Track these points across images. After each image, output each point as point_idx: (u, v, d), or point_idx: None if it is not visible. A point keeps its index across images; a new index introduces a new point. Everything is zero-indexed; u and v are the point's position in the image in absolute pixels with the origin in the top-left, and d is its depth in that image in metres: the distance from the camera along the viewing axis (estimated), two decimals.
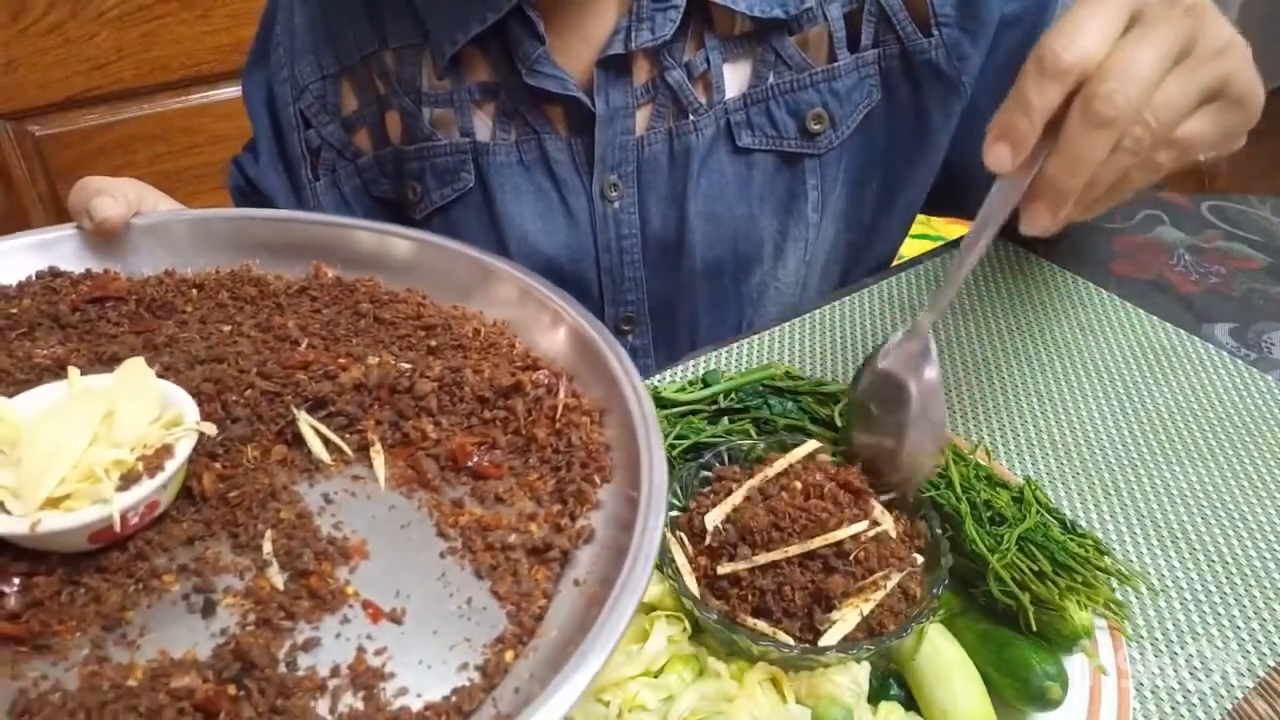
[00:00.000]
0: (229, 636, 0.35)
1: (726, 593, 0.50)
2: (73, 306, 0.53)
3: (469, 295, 0.57)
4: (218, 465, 0.43)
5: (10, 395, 0.42)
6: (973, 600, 0.53)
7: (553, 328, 0.53)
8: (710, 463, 0.58)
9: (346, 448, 0.45)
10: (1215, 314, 0.84)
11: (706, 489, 0.55)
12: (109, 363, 0.46)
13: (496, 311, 0.56)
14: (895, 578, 0.50)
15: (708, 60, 0.75)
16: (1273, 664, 0.54)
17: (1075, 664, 0.50)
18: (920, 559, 0.52)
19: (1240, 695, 0.52)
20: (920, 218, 0.95)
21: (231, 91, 1.47)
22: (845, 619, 0.48)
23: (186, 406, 0.42)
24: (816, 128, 0.76)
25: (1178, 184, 1.19)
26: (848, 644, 0.47)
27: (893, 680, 0.50)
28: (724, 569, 0.49)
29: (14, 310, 0.52)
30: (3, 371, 0.46)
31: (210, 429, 0.42)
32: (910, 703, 0.49)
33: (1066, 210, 0.42)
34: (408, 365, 0.49)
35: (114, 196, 0.57)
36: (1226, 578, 0.59)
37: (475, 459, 0.44)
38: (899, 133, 0.79)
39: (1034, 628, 0.50)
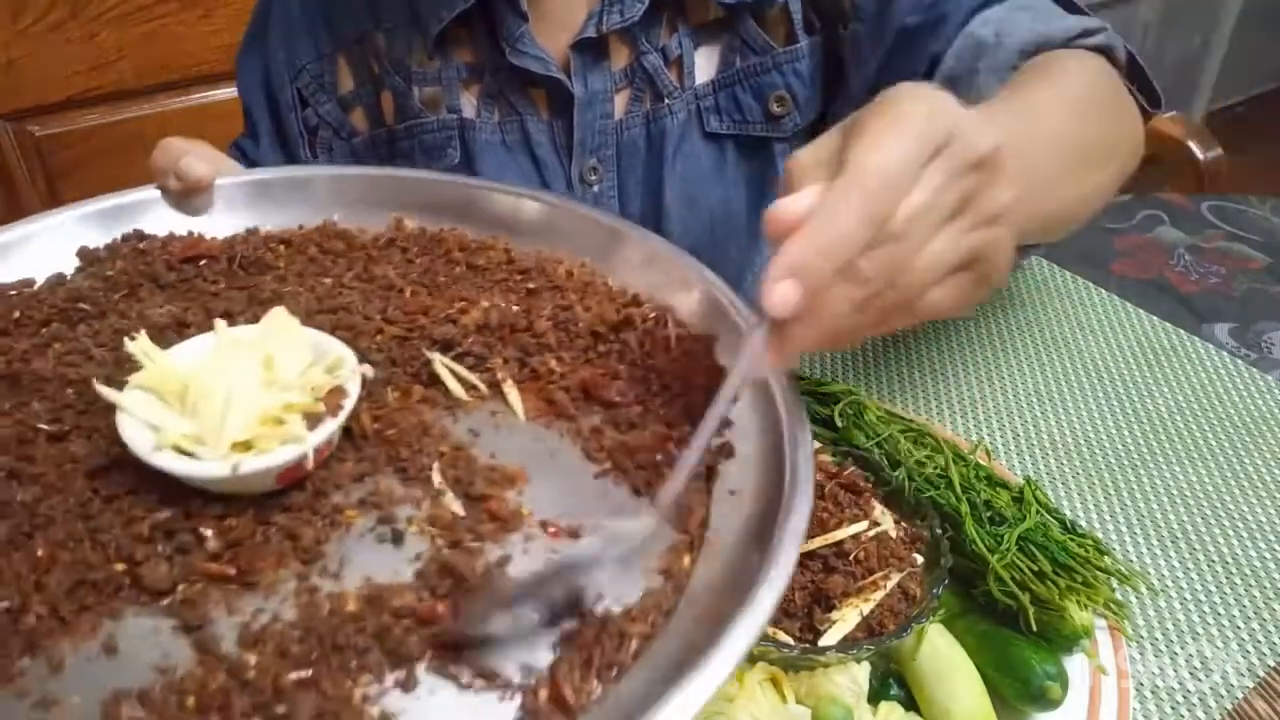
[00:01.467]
0: (427, 560, 0.37)
1: None
2: (168, 266, 0.53)
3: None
4: (366, 406, 0.44)
5: (122, 364, 0.43)
6: (973, 600, 0.53)
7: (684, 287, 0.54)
8: None
9: (481, 385, 0.46)
10: (1215, 314, 0.84)
11: None
12: (223, 316, 0.47)
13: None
14: (895, 578, 0.50)
15: (680, 45, 0.76)
16: (1273, 664, 0.54)
17: (1075, 664, 0.50)
18: (920, 559, 0.52)
19: (1240, 695, 0.52)
20: None
21: (232, 91, 1.47)
22: (845, 619, 0.48)
23: (341, 350, 0.43)
24: (779, 110, 0.77)
25: (1178, 184, 1.19)
26: (848, 644, 0.47)
27: (893, 680, 0.50)
28: None
29: (110, 272, 0.52)
30: (120, 332, 0.46)
31: (369, 371, 0.43)
32: (910, 703, 0.49)
33: (788, 359, 0.38)
34: (519, 307, 0.50)
35: (201, 157, 0.58)
36: (1226, 578, 0.59)
37: (603, 389, 0.46)
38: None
39: (1034, 628, 0.50)
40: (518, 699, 0.32)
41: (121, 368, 0.43)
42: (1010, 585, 0.51)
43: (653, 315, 0.50)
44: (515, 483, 0.41)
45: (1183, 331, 0.81)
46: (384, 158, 0.83)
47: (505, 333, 0.49)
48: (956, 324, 0.83)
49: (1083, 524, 0.60)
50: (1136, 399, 0.74)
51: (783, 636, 0.48)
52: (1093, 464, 0.68)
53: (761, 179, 0.80)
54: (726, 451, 0.43)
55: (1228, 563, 0.60)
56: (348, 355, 0.43)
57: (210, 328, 0.44)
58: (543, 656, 0.34)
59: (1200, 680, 0.53)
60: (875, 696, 0.49)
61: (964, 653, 0.50)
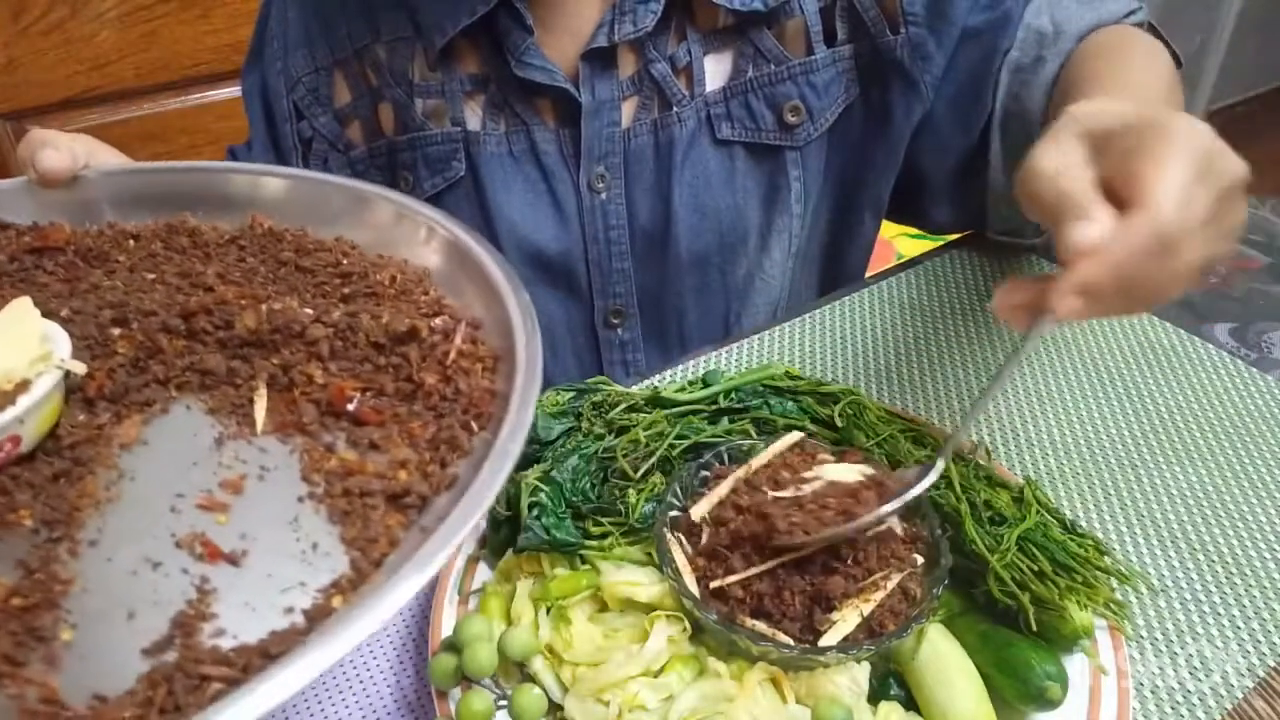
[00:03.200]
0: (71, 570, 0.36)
1: (726, 593, 0.50)
2: (10, 256, 0.54)
3: (338, 222, 0.58)
4: (102, 406, 0.43)
5: None
6: (973, 600, 0.53)
7: (427, 243, 0.54)
8: (710, 463, 0.58)
9: (235, 391, 0.45)
10: (1215, 314, 0.84)
11: (706, 489, 0.55)
12: (39, 309, 0.46)
13: (370, 236, 0.56)
14: (895, 578, 0.50)
15: (689, 53, 0.76)
16: (1273, 664, 0.54)
17: (1075, 664, 0.50)
18: (920, 559, 0.52)
19: (1240, 695, 0.52)
20: None
21: (231, 91, 1.47)
22: (845, 619, 0.48)
23: (61, 344, 0.43)
24: (793, 120, 0.77)
25: None
26: (848, 644, 0.47)
27: (893, 680, 0.50)
28: (715, 584, 0.49)
29: None
30: None
31: (80, 368, 0.42)
32: (910, 703, 0.49)
33: (1090, 304, 0.43)
34: (310, 311, 0.48)
35: (59, 149, 0.59)
36: (1226, 578, 0.59)
37: (356, 404, 0.44)
38: (869, 130, 0.81)
39: (1034, 628, 0.50)
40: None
41: None
42: (1010, 585, 0.51)
43: (442, 329, 0.47)
44: (227, 488, 0.40)
45: (1183, 331, 0.81)
46: (384, 170, 0.83)
47: (278, 337, 0.47)
48: (956, 324, 0.83)
49: (1083, 524, 0.60)
50: (1136, 399, 0.74)
51: (782, 637, 0.48)
52: (1093, 464, 0.68)
53: (772, 186, 0.80)
54: (450, 483, 0.41)
55: (1228, 563, 0.60)
56: (61, 350, 0.42)
57: None
58: (120, 686, 0.33)
59: (1200, 680, 0.53)
60: (875, 696, 0.49)
61: (964, 653, 0.50)
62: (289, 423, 0.44)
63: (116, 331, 0.47)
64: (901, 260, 0.93)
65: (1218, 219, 0.43)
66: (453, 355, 0.46)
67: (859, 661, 0.48)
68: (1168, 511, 0.64)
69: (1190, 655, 0.54)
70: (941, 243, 0.95)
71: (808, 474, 0.54)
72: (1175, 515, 0.64)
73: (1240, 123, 3.07)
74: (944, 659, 0.49)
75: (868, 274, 0.93)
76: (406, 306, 0.50)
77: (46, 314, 0.46)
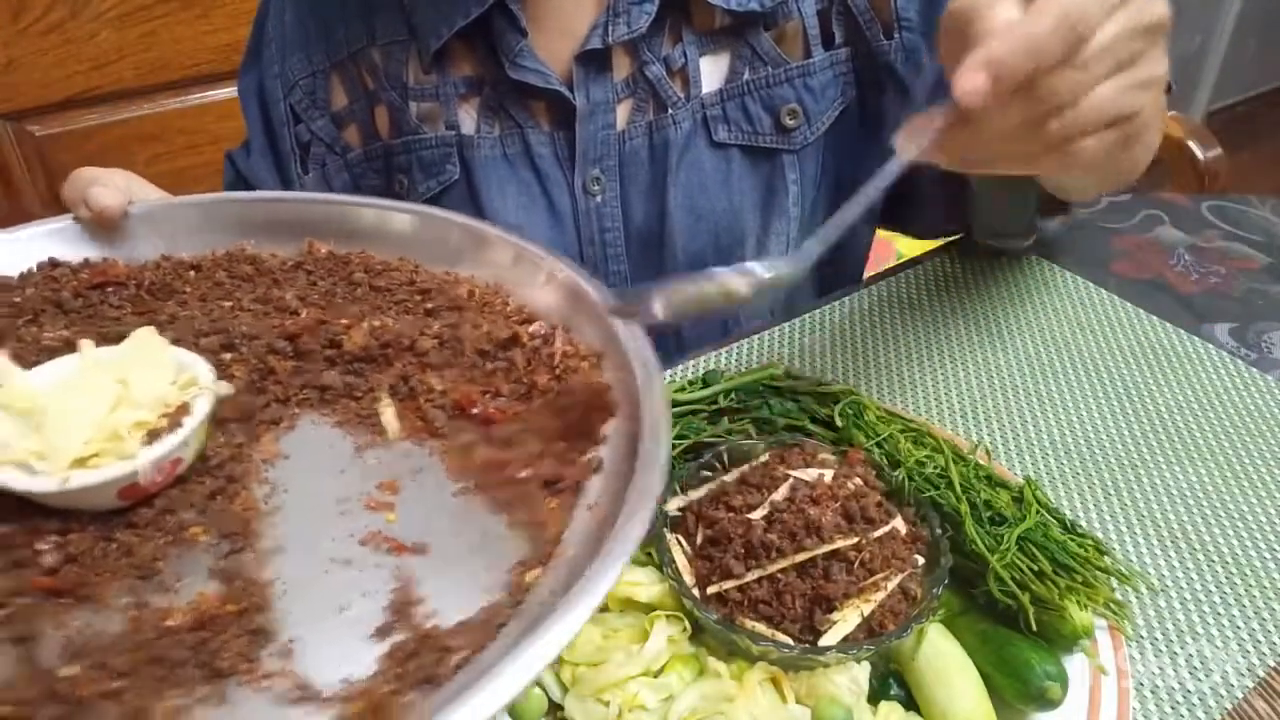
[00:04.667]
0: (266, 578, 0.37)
1: (726, 594, 0.50)
2: (74, 293, 0.54)
3: (459, 261, 0.58)
4: (236, 426, 0.45)
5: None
6: (973, 600, 0.53)
7: (546, 285, 0.54)
8: (710, 463, 0.58)
9: (356, 402, 0.47)
10: (1215, 314, 0.84)
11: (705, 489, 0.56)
12: (114, 340, 0.47)
13: (489, 274, 0.57)
14: (896, 579, 0.50)
15: (685, 55, 0.76)
16: (1273, 664, 0.54)
17: (1075, 664, 0.50)
18: (920, 559, 0.52)
19: (1240, 695, 0.52)
20: None
21: (231, 91, 1.46)
22: (845, 620, 0.48)
23: (201, 369, 0.44)
24: (791, 123, 0.77)
25: (1178, 184, 1.19)
26: (848, 644, 0.47)
27: (893, 680, 0.50)
28: (712, 589, 0.50)
29: (17, 299, 0.52)
30: (14, 355, 0.47)
31: (227, 388, 0.44)
32: (910, 703, 0.49)
33: (995, 87, 0.40)
34: (409, 327, 0.51)
35: (108, 185, 0.58)
36: (1226, 578, 0.59)
37: (480, 407, 0.46)
38: (864, 134, 0.81)
39: (1034, 628, 0.50)
40: (333, 710, 0.33)
41: None
42: (1010, 585, 0.51)
43: (541, 333, 0.50)
44: (383, 492, 0.42)
45: (1183, 331, 0.81)
46: (380, 173, 0.83)
47: (389, 352, 0.49)
48: (956, 324, 0.83)
49: (1083, 524, 0.60)
50: (1136, 399, 0.74)
51: (782, 637, 0.48)
52: (1093, 464, 0.68)
53: (769, 190, 0.79)
54: (596, 466, 0.43)
55: (1228, 563, 0.60)
56: (203, 373, 0.43)
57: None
58: (363, 669, 0.34)
59: (1200, 680, 0.53)
60: (875, 696, 0.49)
61: (964, 653, 0.50)
62: (420, 428, 0.45)
63: (227, 356, 0.48)
64: (901, 260, 0.93)
65: (1133, 61, 0.42)
66: (558, 357, 0.48)
67: (859, 661, 0.48)
68: (1168, 511, 0.64)
69: (1190, 655, 0.54)
70: (942, 243, 0.95)
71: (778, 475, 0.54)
72: (1175, 515, 0.64)
73: (1240, 123, 3.07)
74: (944, 659, 0.49)
75: (867, 274, 0.93)
76: (495, 316, 0.52)
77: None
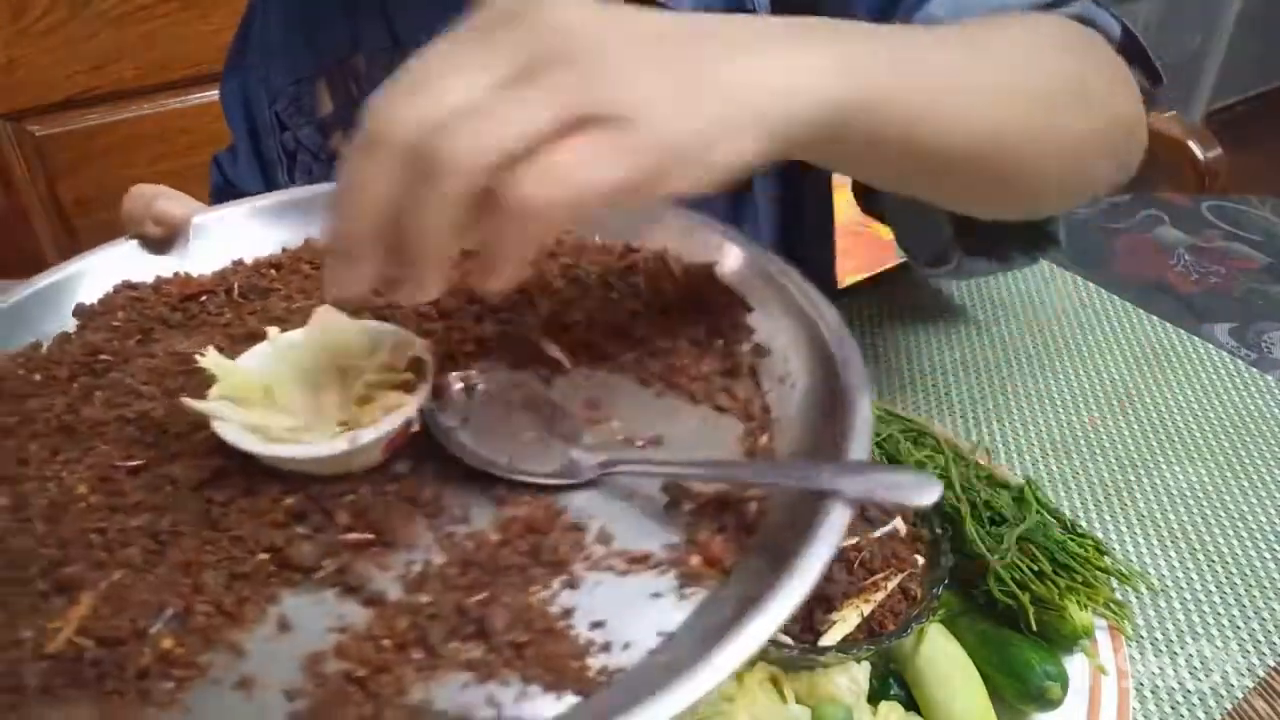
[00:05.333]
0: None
1: None
2: (171, 307, 0.53)
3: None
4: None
5: (173, 394, 0.44)
6: (973, 600, 0.53)
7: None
8: None
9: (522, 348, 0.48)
10: (1215, 314, 0.84)
11: None
12: (251, 340, 0.47)
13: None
14: (896, 579, 0.50)
15: None
16: (1273, 664, 0.54)
17: (1075, 664, 0.50)
18: (920, 559, 0.52)
19: (1240, 695, 0.52)
20: None
21: None
22: (845, 619, 0.48)
23: (399, 329, 0.44)
24: None
25: (1178, 184, 1.19)
26: (848, 644, 0.47)
27: (893, 680, 0.50)
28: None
29: (115, 323, 0.52)
30: (157, 371, 0.47)
31: (429, 356, 0.43)
32: (910, 703, 0.49)
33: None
34: (531, 273, 0.52)
35: (173, 198, 0.57)
36: (1226, 578, 0.59)
37: (630, 327, 0.49)
38: None
39: (1034, 628, 0.50)
40: (672, 571, 0.35)
41: (174, 397, 0.44)
42: (1010, 585, 0.51)
43: (653, 256, 0.53)
44: (595, 409, 0.44)
45: (1183, 331, 0.81)
46: None
47: (527, 296, 0.50)
48: (957, 324, 0.83)
49: (1083, 524, 0.60)
50: (1136, 399, 0.74)
51: (782, 637, 0.48)
52: (1093, 464, 0.68)
53: (738, 203, 0.78)
54: (760, 352, 0.46)
55: (1228, 563, 0.60)
56: (406, 332, 0.44)
57: (239, 351, 0.44)
58: (676, 534, 0.37)
59: (1200, 680, 0.53)
60: (875, 696, 0.49)
61: (964, 652, 0.50)
62: (587, 356, 0.47)
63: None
64: (902, 260, 0.93)
65: (532, 86, 0.31)
66: (679, 271, 0.51)
67: (859, 661, 0.48)
68: (1168, 511, 0.64)
69: (1190, 655, 0.54)
70: None
71: None
72: (1175, 515, 0.64)
73: (1240, 123, 3.07)
74: (944, 659, 0.49)
75: (867, 275, 0.93)
76: (593, 253, 0.54)
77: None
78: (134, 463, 0.41)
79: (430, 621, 0.33)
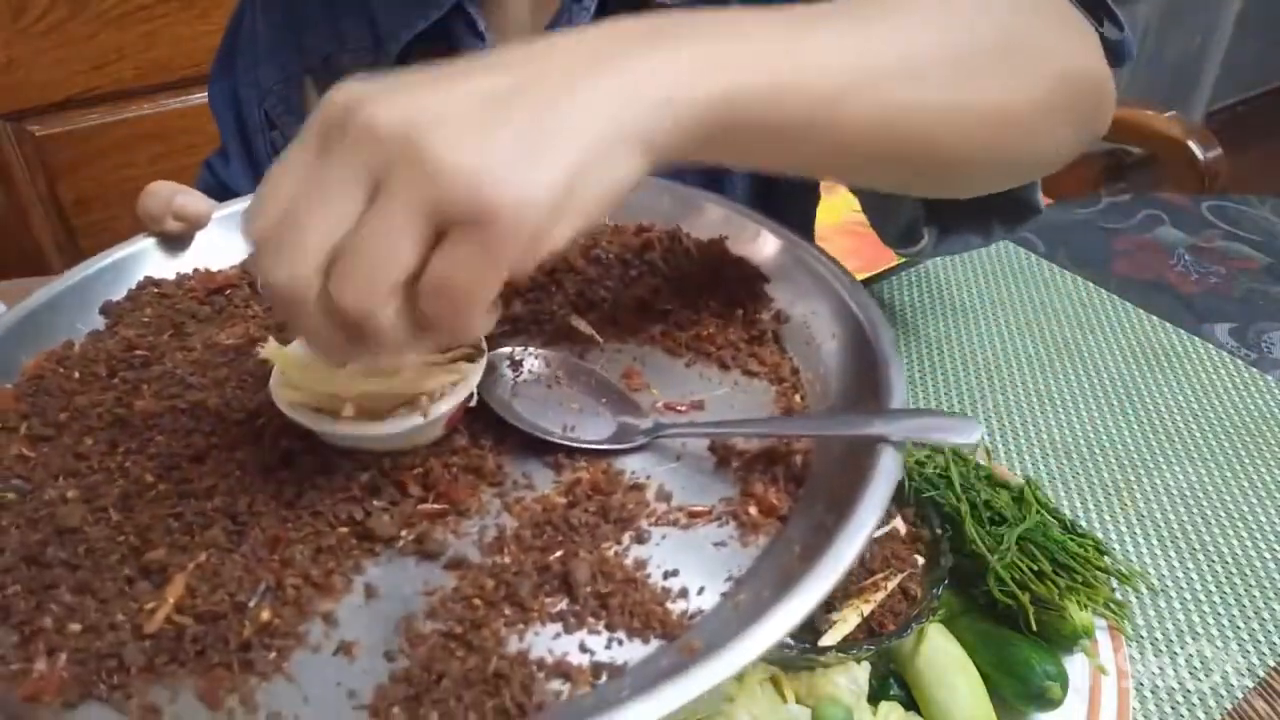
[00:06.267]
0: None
1: None
2: (199, 301, 0.54)
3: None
4: None
5: (222, 384, 0.45)
6: (973, 600, 0.53)
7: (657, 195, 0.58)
8: None
9: (552, 324, 0.49)
10: (1215, 314, 0.84)
11: None
12: (283, 328, 0.48)
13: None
14: (896, 579, 0.50)
15: None
16: (1273, 664, 0.54)
17: (1075, 664, 0.50)
18: (920, 559, 0.52)
19: (1240, 695, 0.52)
20: None
21: None
22: (845, 619, 0.48)
23: None
24: None
25: (1178, 184, 1.19)
26: (848, 644, 0.47)
27: (893, 680, 0.50)
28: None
29: (146, 318, 0.53)
30: (200, 363, 0.48)
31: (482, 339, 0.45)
32: (910, 703, 0.49)
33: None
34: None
35: (192, 194, 0.57)
36: (1226, 578, 0.59)
37: (655, 301, 0.50)
38: None
39: (1034, 628, 0.50)
40: (732, 522, 0.38)
41: (223, 387, 0.45)
42: (1010, 585, 0.51)
43: (666, 234, 0.55)
44: (632, 379, 0.46)
45: (1183, 331, 0.81)
46: None
47: (552, 278, 0.52)
48: (956, 324, 0.83)
49: (1083, 524, 0.60)
50: (1136, 399, 0.74)
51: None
52: (1093, 464, 0.68)
53: (717, 184, 0.78)
54: (781, 318, 0.49)
55: (1228, 563, 0.60)
56: None
57: (281, 340, 0.44)
58: (730, 488, 0.39)
59: (1200, 680, 0.53)
60: (875, 696, 0.49)
61: (964, 653, 0.50)
62: (616, 331, 0.49)
63: None
64: (902, 260, 0.93)
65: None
66: (693, 247, 0.54)
67: (859, 661, 0.48)
68: (1168, 511, 0.64)
69: (1190, 655, 0.54)
70: None
71: None
72: (1175, 515, 0.64)
73: (1240, 123, 3.07)
74: (944, 659, 0.49)
75: (867, 274, 0.94)
76: (609, 233, 0.56)
77: None
78: (196, 450, 0.41)
79: (516, 578, 0.35)
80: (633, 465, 0.40)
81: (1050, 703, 0.47)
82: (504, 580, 0.35)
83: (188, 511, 0.38)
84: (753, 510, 0.38)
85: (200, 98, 1.49)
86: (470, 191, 0.29)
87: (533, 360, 0.45)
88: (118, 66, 1.42)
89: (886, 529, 0.52)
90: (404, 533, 0.37)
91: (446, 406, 0.39)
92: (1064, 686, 0.47)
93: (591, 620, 0.34)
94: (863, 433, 0.37)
